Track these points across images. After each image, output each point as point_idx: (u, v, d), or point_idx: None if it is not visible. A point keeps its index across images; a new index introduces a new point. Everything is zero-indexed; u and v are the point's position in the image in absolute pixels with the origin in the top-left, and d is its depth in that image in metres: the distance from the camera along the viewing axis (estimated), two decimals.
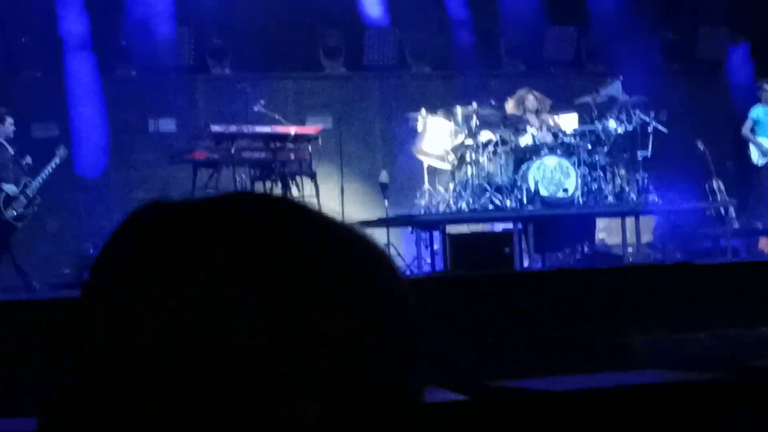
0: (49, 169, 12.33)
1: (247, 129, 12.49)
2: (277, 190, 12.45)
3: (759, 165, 14.13)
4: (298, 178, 12.61)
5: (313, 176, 12.67)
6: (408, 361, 0.87)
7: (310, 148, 12.66)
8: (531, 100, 12.92)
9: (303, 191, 12.45)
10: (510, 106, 13.02)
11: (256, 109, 13.01)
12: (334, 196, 13.15)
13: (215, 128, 12.44)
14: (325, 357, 0.82)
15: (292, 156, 12.60)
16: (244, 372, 0.80)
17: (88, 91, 14.01)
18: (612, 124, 12.76)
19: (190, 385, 0.80)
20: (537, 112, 12.91)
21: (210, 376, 0.80)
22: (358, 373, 0.82)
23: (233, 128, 12.45)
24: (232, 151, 12.26)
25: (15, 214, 12.01)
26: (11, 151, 12.18)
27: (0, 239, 11.98)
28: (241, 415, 0.79)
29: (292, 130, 12.68)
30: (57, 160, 12.43)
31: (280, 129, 12.66)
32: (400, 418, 0.85)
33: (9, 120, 12.24)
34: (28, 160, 12.29)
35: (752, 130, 14.13)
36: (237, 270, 0.85)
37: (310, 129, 13.09)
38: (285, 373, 0.80)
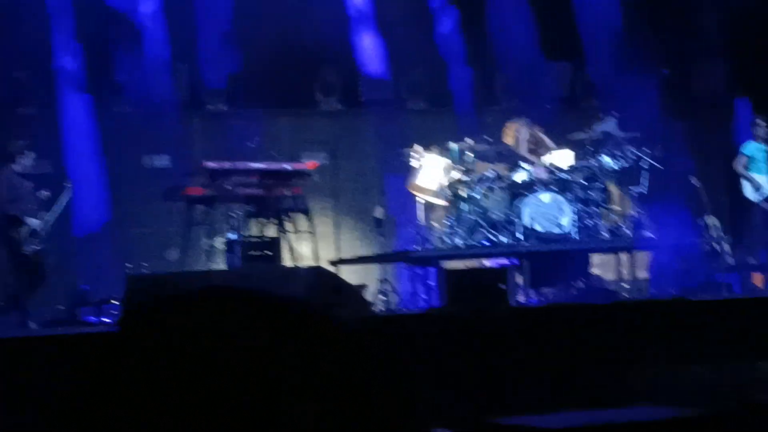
0: (63, 202, 12.30)
1: (242, 165, 12.49)
2: (272, 227, 12.45)
3: (753, 201, 14.15)
4: (293, 214, 12.61)
5: (308, 212, 12.67)
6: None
7: (305, 184, 12.66)
8: (526, 133, 12.94)
9: (298, 227, 12.45)
10: (507, 136, 13.03)
11: (251, 145, 13.03)
12: (330, 232, 13.18)
13: (210, 164, 12.44)
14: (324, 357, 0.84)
15: (287, 192, 12.60)
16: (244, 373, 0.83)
17: (82, 127, 14.02)
18: (607, 160, 12.78)
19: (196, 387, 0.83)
20: (533, 148, 12.94)
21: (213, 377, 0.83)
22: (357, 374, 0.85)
23: (228, 164, 12.45)
24: (227, 187, 12.26)
25: (37, 249, 11.96)
26: (30, 184, 12.15)
27: (29, 272, 11.89)
28: (243, 415, 0.81)
29: (287, 166, 12.69)
30: (70, 193, 12.39)
31: (274, 165, 12.67)
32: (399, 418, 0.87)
33: (29, 153, 12.20)
34: (47, 193, 12.25)
35: (745, 166, 14.16)
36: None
37: (305, 165, 13.10)
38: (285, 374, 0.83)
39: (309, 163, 13.20)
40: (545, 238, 12.17)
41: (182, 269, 12.50)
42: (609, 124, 13.25)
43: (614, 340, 7.71)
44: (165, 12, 14.33)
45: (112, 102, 14.56)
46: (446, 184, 12.55)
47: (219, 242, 12.39)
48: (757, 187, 13.95)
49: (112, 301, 12.04)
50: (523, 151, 12.91)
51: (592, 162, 12.80)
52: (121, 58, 14.32)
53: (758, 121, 14.14)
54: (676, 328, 7.72)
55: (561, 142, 13.31)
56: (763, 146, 13.85)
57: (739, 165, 14.25)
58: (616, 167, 12.82)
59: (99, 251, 13.32)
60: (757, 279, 14.26)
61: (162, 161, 14.79)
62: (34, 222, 11.92)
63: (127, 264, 13.22)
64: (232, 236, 12.15)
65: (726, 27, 16.61)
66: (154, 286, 7.71)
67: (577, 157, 13.07)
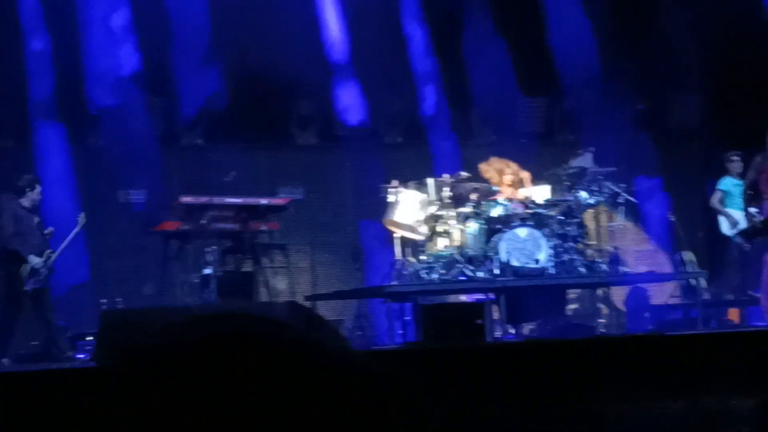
0: (70, 238, 12.12)
1: (218, 200, 12.47)
2: (248, 262, 12.41)
3: (728, 236, 14.19)
4: (268, 249, 12.58)
5: (283, 247, 12.65)
6: None
7: (281, 218, 12.64)
8: (507, 170, 12.96)
9: (274, 262, 12.42)
10: (486, 172, 13.03)
11: (227, 179, 12.99)
12: (306, 267, 13.14)
13: (186, 199, 12.41)
14: None
15: (263, 227, 12.58)
16: None
17: (57, 160, 13.96)
18: (583, 195, 12.80)
19: None
20: (510, 183, 12.95)
21: None
22: None
23: (204, 199, 12.43)
24: (203, 221, 12.23)
25: (36, 287, 11.73)
26: (36, 219, 11.97)
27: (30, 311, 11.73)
28: None
29: (263, 201, 12.66)
30: (77, 228, 12.23)
31: (250, 200, 12.65)
32: None
33: (38, 188, 12.04)
34: (51, 229, 12.07)
35: (721, 201, 14.20)
36: None
37: (280, 200, 13.08)
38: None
39: (284, 198, 13.19)
40: (522, 273, 12.14)
41: (158, 304, 12.44)
42: (585, 159, 13.28)
43: (591, 376, 7.69)
44: (141, 46, 14.31)
45: (88, 136, 14.51)
46: (423, 219, 12.53)
47: (195, 277, 12.34)
48: (733, 223, 13.98)
49: (87, 338, 11.95)
50: (500, 186, 12.91)
51: (569, 197, 12.82)
52: (96, 91, 14.28)
53: (733, 156, 14.19)
54: (653, 363, 7.70)
55: (538, 177, 13.32)
56: (738, 182, 13.89)
57: (715, 200, 14.30)
58: (592, 202, 12.83)
59: (74, 286, 13.24)
60: (733, 314, 14.28)
61: (137, 195, 14.74)
62: (35, 260, 11.71)
63: (101, 300, 13.14)
64: (208, 271, 12.11)
65: (701, 63, 16.71)
66: (128, 322, 7.66)
67: (553, 192, 13.08)
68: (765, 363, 7.64)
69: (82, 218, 12.30)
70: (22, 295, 11.70)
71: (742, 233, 12.54)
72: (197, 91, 14.65)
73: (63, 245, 12.04)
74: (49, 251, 11.84)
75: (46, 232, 12.00)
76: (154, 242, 12.90)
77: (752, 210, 12.23)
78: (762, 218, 11.90)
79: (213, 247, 12.40)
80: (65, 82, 14.00)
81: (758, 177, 11.74)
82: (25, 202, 11.91)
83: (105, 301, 13.10)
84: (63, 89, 14.02)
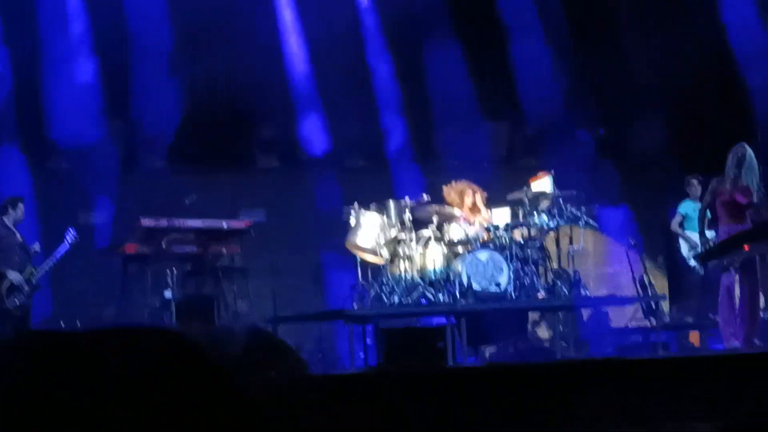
0: (57, 256, 12.11)
1: (179, 223, 12.41)
2: (209, 285, 12.35)
3: (688, 259, 14.25)
4: (229, 272, 12.53)
5: (244, 270, 12.59)
6: None
7: (242, 242, 12.59)
8: (470, 194, 12.97)
9: (234, 286, 12.37)
10: (447, 196, 13.04)
11: (188, 202, 12.94)
12: (267, 290, 13.06)
13: (146, 222, 12.34)
14: None
15: (224, 250, 12.53)
16: None
17: (15, 183, 13.87)
18: (544, 218, 12.83)
19: None
20: (471, 207, 12.96)
21: None
22: None
23: (164, 222, 12.36)
24: (163, 245, 12.17)
25: (17, 303, 11.74)
26: (19, 237, 11.98)
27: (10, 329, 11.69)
28: None
29: (224, 224, 12.62)
30: (66, 246, 12.20)
31: (212, 223, 12.59)
32: None
33: (21, 206, 12.08)
34: (37, 247, 12.09)
35: (681, 225, 14.26)
36: None
37: (241, 223, 13.04)
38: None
39: (244, 221, 13.16)
40: (483, 296, 12.15)
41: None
42: (546, 183, 13.31)
43: (552, 400, 7.69)
44: (102, 67, 14.25)
45: (48, 158, 14.43)
46: (384, 242, 12.52)
47: (155, 300, 12.27)
48: (693, 246, 14.04)
49: None
50: (462, 209, 12.92)
51: (530, 220, 12.84)
52: (56, 113, 14.20)
53: (693, 180, 14.27)
54: (613, 387, 7.71)
55: (499, 201, 13.35)
56: (698, 205, 13.97)
57: (675, 224, 14.36)
58: (553, 225, 12.86)
59: (34, 308, 13.13)
60: (694, 338, 14.34)
61: (98, 218, 14.65)
62: (14, 276, 11.74)
63: (61, 322, 13.05)
64: (168, 294, 12.04)
65: (662, 88, 16.81)
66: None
67: (515, 216, 13.11)
68: (724, 387, 7.66)
69: (71, 235, 12.29)
70: (2, 312, 11.72)
71: (697, 257, 12.59)
72: (159, 113, 14.60)
73: (48, 263, 12.05)
74: (31, 268, 11.87)
75: (33, 249, 12.04)
76: (114, 265, 12.81)
77: (708, 234, 12.31)
78: (716, 242, 11.98)
79: (173, 270, 12.33)
80: (24, 104, 13.92)
81: (713, 200, 11.82)
82: (8, 220, 11.96)
83: (63, 324, 13.01)
84: (23, 110, 13.93)
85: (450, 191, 13.12)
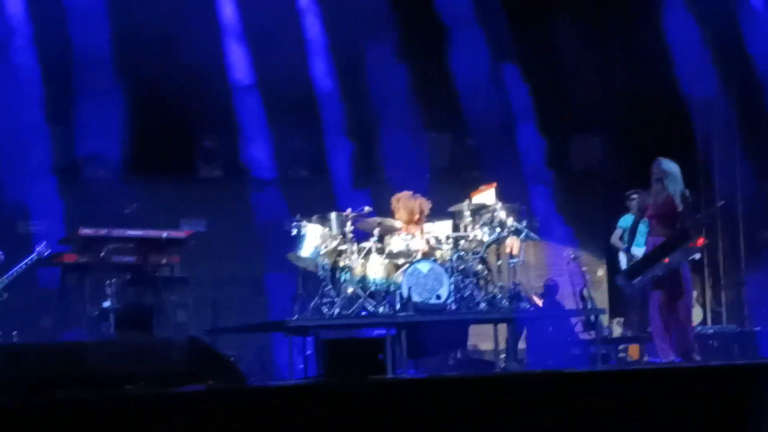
0: (22, 266, 11.95)
1: (118, 232, 12.32)
2: (149, 295, 12.27)
3: None
4: (169, 282, 12.46)
5: (185, 281, 12.52)
6: None
7: (182, 252, 12.52)
8: (415, 205, 12.95)
9: (174, 296, 12.29)
10: (395, 207, 13.01)
11: (127, 211, 12.83)
12: (207, 301, 13.01)
13: (85, 231, 12.24)
14: None
15: (164, 260, 12.45)
16: None
17: None
18: (486, 230, 12.84)
19: None
20: (412, 219, 12.94)
21: None
22: None
23: (104, 231, 12.27)
24: (103, 254, 12.07)
25: None
26: None
27: None
28: None
29: (164, 233, 12.54)
30: (35, 256, 12.05)
31: (151, 232, 12.52)
32: None
33: None
34: (1, 256, 11.94)
35: (621, 239, 14.34)
36: None
37: (182, 233, 12.96)
38: None
39: (185, 231, 13.09)
40: (423, 308, 12.14)
41: (55, 338, 12.23)
42: (488, 195, 13.33)
43: (491, 413, 7.69)
44: (43, 74, 14.13)
45: None
46: (325, 253, 12.48)
47: (94, 310, 12.17)
48: (630, 260, 14.12)
49: None
50: (403, 220, 12.91)
51: (471, 232, 12.85)
52: None
53: (633, 195, 14.36)
54: (551, 400, 7.73)
55: (441, 213, 13.35)
56: None
57: (615, 238, 14.43)
58: (494, 238, 12.88)
59: None
60: (633, 351, 14.42)
61: (36, 227, 14.49)
62: None
63: None
64: (107, 304, 11.95)
65: (604, 102, 16.94)
66: (17, 356, 7.49)
67: (456, 228, 13.11)
68: (660, 400, 7.71)
69: (43, 247, 12.16)
70: None
71: (620, 274, 12.53)
72: (99, 121, 14.48)
73: (11, 272, 11.93)
74: None
75: None
76: (52, 274, 12.68)
77: (634, 250, 12.39)
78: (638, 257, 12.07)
79: (113, 280, 12.22)
80: None
81: (642, 216, 11.92)
82: None
83: (0, 333, 12.86)
84: None
85: (392, 202, 13.11)
